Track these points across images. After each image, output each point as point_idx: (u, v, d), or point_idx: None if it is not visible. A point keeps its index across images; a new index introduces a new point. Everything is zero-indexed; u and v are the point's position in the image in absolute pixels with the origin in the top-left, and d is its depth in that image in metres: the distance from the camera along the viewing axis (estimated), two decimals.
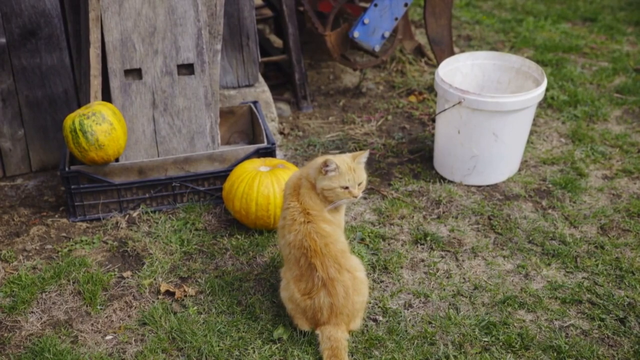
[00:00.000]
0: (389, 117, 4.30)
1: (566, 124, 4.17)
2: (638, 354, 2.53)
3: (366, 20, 4.13)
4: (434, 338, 2.60)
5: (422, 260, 3.03)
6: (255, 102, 3.79)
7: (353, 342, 2.57)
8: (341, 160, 2.53)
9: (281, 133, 4.13)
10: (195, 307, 2.77)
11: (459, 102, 3.36)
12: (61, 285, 2.90)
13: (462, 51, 5.03)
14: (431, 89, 4.57)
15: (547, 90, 4.40)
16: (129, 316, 2.75)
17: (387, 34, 4.22)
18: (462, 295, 2.83)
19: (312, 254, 2.48)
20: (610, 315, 2.71)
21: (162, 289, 2.87)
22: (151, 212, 3.35)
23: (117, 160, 3.28)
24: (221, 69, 3.87)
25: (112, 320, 2.73)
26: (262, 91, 4.01)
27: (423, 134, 4.08)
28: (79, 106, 3.63)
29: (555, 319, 2.70)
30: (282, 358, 2.52)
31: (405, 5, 4.18)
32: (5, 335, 2.66)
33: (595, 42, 5.35)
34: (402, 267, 2.99)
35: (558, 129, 4.12)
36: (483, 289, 2.85)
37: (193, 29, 3.26)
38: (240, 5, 3.80)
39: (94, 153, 3.06)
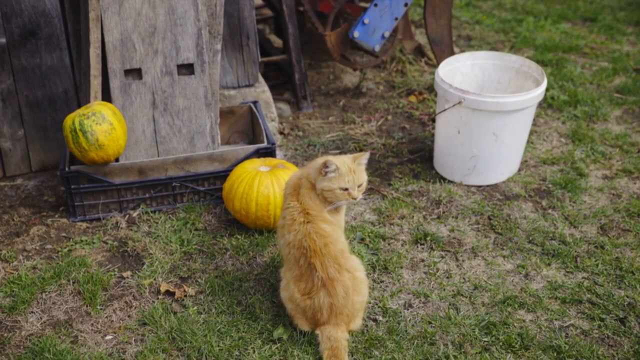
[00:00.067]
0: (389, 117, 4.30)
1: (566, 124, 4.17)
2: (638, 354, 2.53)
3: (366, 20, 4.13)
4: (434, 338, 2.60)
5: (422, 260, 3.03)
6: (255, 102, 3.79)
7: (353, 342, 2.57)
8: (341, 162, 2.53)
9: (281, 133, 4.13)
10: (195, 307, 2.77)
11: (459, 102, 3.36)
12: (61, 285, 2.90)
13: (462, 51, 5.03)
14: (431, 89, 4.57)
15: (547, 90, 4.40)
16: (129, 316, 2.75)
17: (387, 34, 4.22)
18: (462, 295, 2.83)
19: (311, 254, 2.48)
20: (610, 315, 2.71)
21: (162, 289, 2.87)
22: (151, 212, 3.35)
23: (117, 160, 3.28)
24: (221, 69, 3.87)
25: (112, 320, 2.73)
26: (262, 91, 4.01)
27: (423, 134, 4.08)
28: (79, 106, 3.63)
29: (555, 319, 2.70)
30: (282, 358, 2.52)
31: (405, 5, 4.18)
32: (5, 335, 2.66)
33: (595, 42, 5.35)
34: (402, 267, 2.99)
35: (558, 129, 4.12)
36: (483, 289, 2.85)
37: (193, 28, 3.26)
38: (240, 5, 3.80)
39: (94, 153, 3.06)
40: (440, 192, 3.50)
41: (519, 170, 3.69)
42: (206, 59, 3.31)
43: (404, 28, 4.67)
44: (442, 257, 3.06)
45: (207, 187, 3.39)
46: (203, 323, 2.68)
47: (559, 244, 3.12)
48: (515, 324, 2.66)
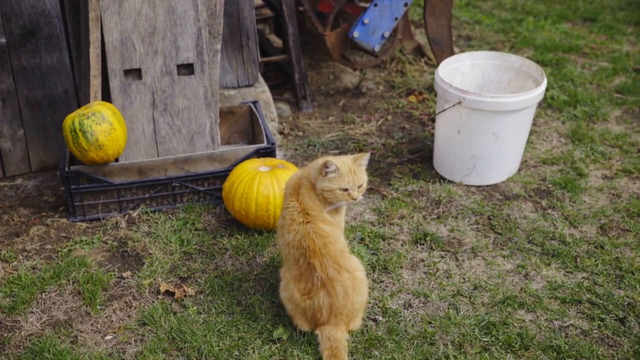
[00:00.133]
0: (389, 117, 4.30)
1: (566, 124, 4.17)
2: (638, 354, 2.53)
3: (366, 20, 4.13)
4: (433, 338, 2.60)
5: (422, 260, 3.03)
6: (255, 102, 3.79)
7: (353, 342, 2.57)
8: (341, 162, 2.53)
9: (281, 133, 4.13)
10: (195, 307, 2.77)
11: (459, 102, 3.36)
12: (61, 285, 2.90)
13: (462, 51, 5.03)
14: (431, 89, 4.57)
15: (547, 90, 4.40)
16: (128, 316, 2.75)
17: (387, 34, 4.22)
18: (461, 295, 2.83)
19: (311, 254, 2.48)
20: (610, 315, 2.71)
21: (162, 289, 2.87)
22: (151, 212, 3.35)
23: (116, 160, 3.28)
24: (221, 69, 3.87)
25: (112, 320, 2.73)
26: (262, 91, 4.01)
27: (423, 134, 4.08)
28: (79, 106, 3.63)
29: (555, 319, 2.70)
30: (281, 358, 2.52)
31: (405, 5, 4.18)
32: (5, 335, 2.66)
33: (595, 42, 5.35)
34: (401, 267, 2.99)
35: (558, 129, 4.12)
36: (483, 289, 2.85)
37: (193, 29, 3.26)
38: (240, 5, 3.80)
39: (94, 153, 3.06)
40: (440, 192, 3.50)
41: (519, 170, 3.69)
42: (206, 59, 3.31)
43: (403, 28, 4.67)
44: (442, 257, 3.06)
45: (207, 187, 3.39)
46: (203, 323, 2.68)
47: (559, 244, 3.12)
48: (515, 324, 2.66)
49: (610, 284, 2.88)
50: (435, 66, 4.79)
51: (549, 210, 3.36)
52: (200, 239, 3.17)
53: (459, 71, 3.76)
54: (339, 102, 4.52)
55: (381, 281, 2.91)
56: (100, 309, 2.78)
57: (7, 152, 3.65)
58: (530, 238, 3.16)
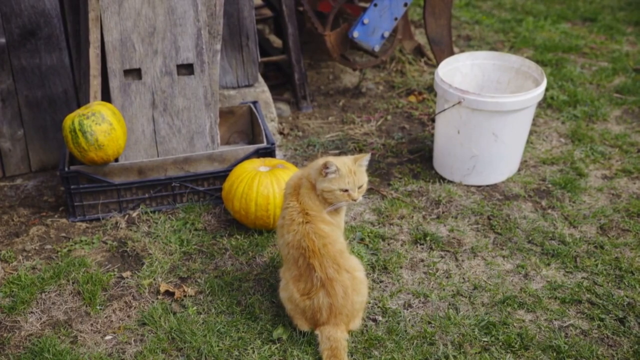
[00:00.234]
0: (389, 117, 4.30)
1: (566, 124, 4.17)
2: (637, 354, 2.53)
3: (366, 20, 4.13)
4: (433, 338, 2.60)
5: (422, 260, 3.03)
6: (254, 102, 3.79)
7: (352, 342, 2.57)
8: (342, 163, 2.53)
9: (281, 133, 4.13)
10: (195, 307, 2.77)
11: (459, 102, 3.36)
12: (61, 286, 2.90)
13: (461, 51, 5.03)
14: (431, 89, 4.57)
15: (546, 90, 4.40)
16: (128, 316, 2.75)
17: (386, 34, 4.22)
18: (461, 295, 2.83)
19: (310, 254, 2.48)
20: (610, 315, 2.71)
21: (162, 289, 2.87)
22: (151, 212, 3.35)
23: (116, 160, 3.28)
24: (221, 69, 3.87)
25: (112, 321, 2.73)
26: (261, 91, 4.01)
27: (423, 134, 4.08)
28: (79, 106, 3.63)
29: (555, 319, 2.70)
30: (281, 358, 2.52)
31: (405, 5, 4.18)
32: (5, 335, 2.66)
33: (595, 42, 5.35)
34: (401, 267, 2.99)
35: (558, 129, 4.12)
36: (482, 289, 2.85)
37: (193, 29, 3.26)
38: (240, 5, 3.80)
39: (94, 153, 3.06)
40: (440, 192, 3.50)
41: (519, 170, 3.69)
42: (206, 59, 3.31)
43: (403, 28, 4.67)
44: (442, 257, 3.06)
45: (207, 187, 3.39)
46: (202, 323, 2.68)
47: (559, 244, 3.12)
48: (515, 324, 2.66)
49: (610, 284, 2.88)
50: (435, 66, 4.79)
51: (549, 210, 3.36)
52: (200, 239, 3.17)
53: (459, 71, 3.76)
54: (339, 102, 4.52)
55: (381, 281, 2.91)
56: (100, 309, 2.78)
57: (7, 152, 3.65)
58: (530, 238, 3.16)
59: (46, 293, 2.86)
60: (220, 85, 3.90)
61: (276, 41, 5.09)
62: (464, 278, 2.92)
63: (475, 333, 2.61)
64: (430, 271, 2.97)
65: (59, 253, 3.10)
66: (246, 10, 3.82)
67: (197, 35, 3.27)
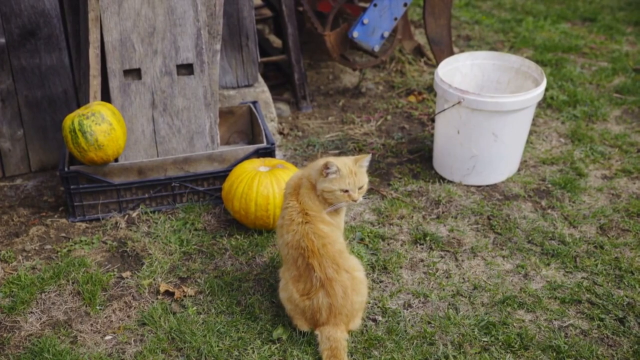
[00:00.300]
0: (389, 117, 4.30)
1: (565, 124, 4.17)
2: (637, 354, 2.53)
3: (365, 20, 4.13)
4: (433, 338, 2.60)
5: (422, 260, 3.03)
6: (254, 102, 3.79)
7: (352, 342, 2.57)
8: (342, 163, 2.53)
9: (280, 133, 4.13)
10: (195, 308, 2.77)
11: (459, 102, 3.36)
12: (60, 286, 2.90)
13: (461, 51, 5.03)
14: (431, 89, 4.57)
15: (546, 90, 4.40)
16: (128, 316, 2.75)
17: (386, 34, 4.22)
18: (461, 295, 2.83)
19: (309, 255, 2.48)
20: (610, 315, 2.71)
21: (162, 289, 2.87)
22: (150, 212, 3.35)
23: (116, 160, 3.28)
24: (220, 69, 3.87)
25: (112, 321, 2.73)
26: (261, 91, 4.01)
27: (422, 134, 4.08)
28: (78, 106, 3.63)
29: (555, 319, 2.70)
30: (281, 358, 2.52)
31: (405, 5, 4.18)
32: (5, 335, 2.66)
33: (594, 42, 5.35)
34: (401, 267, 2.99)
35: (557, 129, 4.12)
36: (482, 289, 2.85)
37: (192, 29, 3.26)
38: (240, 5, 3.80)
39: (93, 153, 3.06)
40: (440, 192, 3.50)
41: (519, 170, 3.69)
42: (205, 59, 3.31)
43: (403, 28, 4.67)
44: (442, 257, 3.06)
45: (207, 187, 3.39)
46: (202, 323, 2.68)
47: (559, 244, 3.12)
48: (515, 324, 2.66)
49: (609, 284, 2.88)
50: (435, 66, 4.79)
51: (549, 210, 3.36)
52: (199, 239, 3.17)
53: (459, 71, 3.76)
54: (339, 102, 4.52)
55: (381, 281, 2.91)
56: (100, 309, 2.78)
57: (7, 152, 3.65)
58: (530, 238, 3.16)
59: (46, 293, 2.86)
60: (220, 85, 3.90)
61: (276, 41, 5.09)
62: (463, 278, 2.93)
63: (475, 333, 2.62)
64: (430, 271, 2.97)
65: (59, 253, 3.10)
66: (246, 10, 3.82)
67: (197, 35, 3.27)
